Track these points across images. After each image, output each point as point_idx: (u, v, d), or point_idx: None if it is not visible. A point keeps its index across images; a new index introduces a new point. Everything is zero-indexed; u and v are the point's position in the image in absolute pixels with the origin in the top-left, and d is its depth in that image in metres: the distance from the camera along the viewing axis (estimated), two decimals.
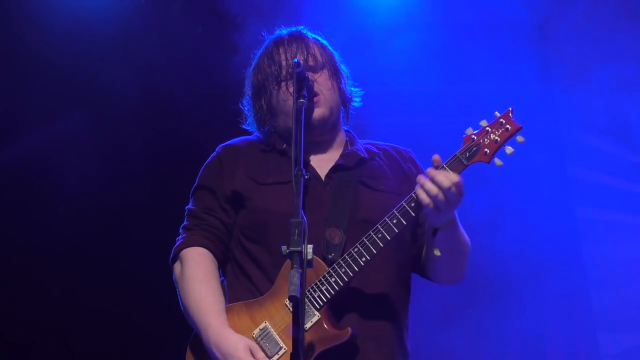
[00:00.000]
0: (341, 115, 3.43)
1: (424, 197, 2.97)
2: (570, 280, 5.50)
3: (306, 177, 2.89)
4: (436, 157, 3.03)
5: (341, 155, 3.34)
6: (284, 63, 3.32)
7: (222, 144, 3.47)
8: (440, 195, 2.95)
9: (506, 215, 5.47)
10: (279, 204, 3.17)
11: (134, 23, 5.63)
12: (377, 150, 3.44)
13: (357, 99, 3.48)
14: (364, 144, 3.47)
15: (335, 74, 3.37)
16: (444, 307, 5.43)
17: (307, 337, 3.01)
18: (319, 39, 3.44)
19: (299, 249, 2.67)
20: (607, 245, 5.48)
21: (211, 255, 3.30)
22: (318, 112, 3.27)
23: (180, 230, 3.40)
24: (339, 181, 3.26)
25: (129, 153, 5.84)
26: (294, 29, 3.43)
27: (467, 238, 3.28)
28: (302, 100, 3.09)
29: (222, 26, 5.59)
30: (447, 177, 2.96)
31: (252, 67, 3.46)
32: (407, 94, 5.66)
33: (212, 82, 5.69)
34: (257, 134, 3.47)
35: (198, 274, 3.25)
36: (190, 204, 3.43)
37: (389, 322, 3.20)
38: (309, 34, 3.42)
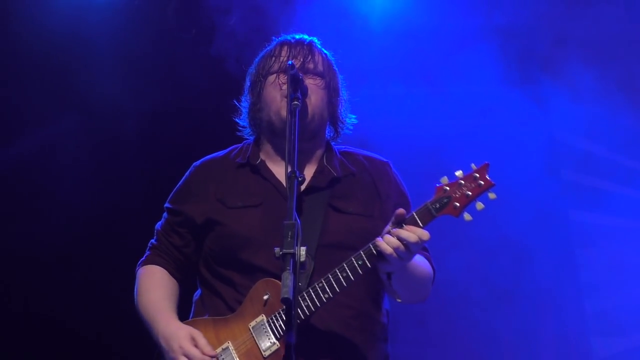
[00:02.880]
0: (326, 131, 3.41)
1: (385, 248, 2.97)
2: (562, 284, 5.51)
3: (299, 179, 2.91)
4: (400, 211, 3.00)
5: (314, 175, 3.31)
6: (282, 58, 3.33)
7: (196, 163, 3.48)
8: (402, 248, 2.95)
9: (499, 219, 5.47)
10: (249, 229, 3.18)
11: (128, 25, 5.62)
12: (351, 167, 3.39)
13: (349, 126, 3.46)
14: (340, 154, 3.43)
15: (331, 88, 3.35)
16: (437, 306, 5.42)
17: None
18: (327, 53, 3.44)
19: (292, 251, 2.69)
20: (600, 249, 5.49)
21: (164, 270, 3.41)
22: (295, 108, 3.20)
23: (148, 247, 3.52)
24: (309, 204, 3.24)
25: (122, 156, 5.83)
26: (305, 36, 3.45)
27: (426, 268, 3.27)
28: (296, 102, 3.08)
29: (215, 28, 5.58)
30: (415, 233, 2.96)
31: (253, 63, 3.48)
32: (399, 97, 5.66)
33: (208, 83, 5.69)
34: (235, 146, 3.49)
35: (148, 284, 3.39)
36: (158, 223, 3.52)
37: (357, 350, 3.19)
38: (318, 44, 3.43)
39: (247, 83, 3.47)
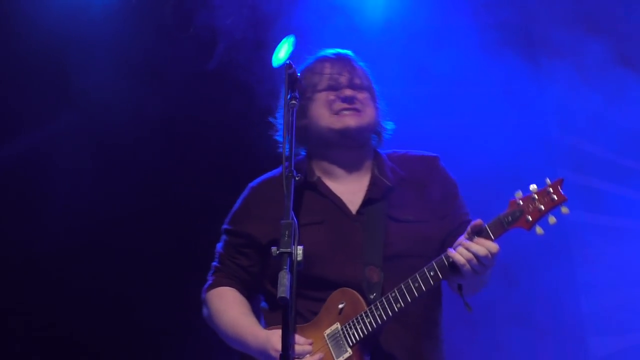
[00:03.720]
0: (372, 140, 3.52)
1: (459, 259, 3.06)
2: (559, 283, 5.51)
3: (297, 178, 2.93)
4: (477, 223, 3.10)
5: (369, 187, 3.40)
6: (326, 74, 3.41)
7: (252, 184, 3.55)
8: (474, 261, 3.04)
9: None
10: (315, 245, 3.21)
11: (125, 24, 5.61)
12: (401, 172, 3.46)
13: (390, 131, 3.56)
14: (388, 159, 3.51)
15: (375, 99, 3.46)
16: None
17: None
18: (364, 66, 3.53)
19: (289, 250, 2.71)
20: (597, 248, 5.49)
21: (234, 289, 3.46)
22: (355, 120, 3.35)
23: (210, 270, 3.57)
24: (368, 216, 3.33)
25: (120, 156, 5.82)
26: (341, 50, 3.52)
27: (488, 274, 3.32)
28: (293, 101, 3.12)
29: (213, 27, 5.58)
30: (484, 246, 3.05)
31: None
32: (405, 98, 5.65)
33: (207, 84, 5.68)
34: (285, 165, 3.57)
35: (223, 305, 3.43)
36: (219, 245, 3.58)
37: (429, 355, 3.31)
38: (355, 58, 3.52)
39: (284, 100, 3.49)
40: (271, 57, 5.21)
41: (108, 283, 5.72)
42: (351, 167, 3.43)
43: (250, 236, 3.41)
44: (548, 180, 3.07)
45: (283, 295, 2.62)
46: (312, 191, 3.40)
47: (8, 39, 5.55)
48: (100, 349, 5.78)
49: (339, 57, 3.47)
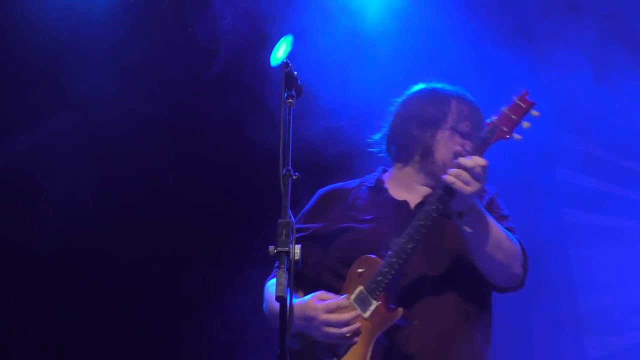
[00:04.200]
0: None
1: (447, 178, 3.15)
2: (556, 283, 5.51)
3: (294, 177, 2.93)
4: (457, 148, 3.27)
5: (426, 195, 3.49)
6: (467, 120, 3.49)
7: (321, 190, 3.72)
8: (463, 174, 3.13)
9: None
10: (379, 234, 3.37)
11: (122, 23, 5.61)
12: None
13: None
14: None
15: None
16: None
17: (368, 325, 3.25)
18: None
19: (286, 249, 2.71)
20: (594, 248, 5.50)
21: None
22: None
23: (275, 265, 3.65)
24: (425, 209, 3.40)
25: (119, 155, 5.82)
26: (471, 97, 3.60)
27: (507, 236, 3.37)
28: (290, 100, 3.13)
29: (211, 26, 5.58)
30: (472, 159, 3.16)
31: (425, 96, 3.61)
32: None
33: (204, 83, 5.69)
34: (357, 179, 3.72)
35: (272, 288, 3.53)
36: None
37: (456, 324, 3.38)
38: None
39: (413, 111, 3.59)
40: (269, 56, 5.21)
41: (107, 282, 5.73)
42: (427, 185, 3.56)
43: (312, 229, 3.56)
44: (514, 97, 3.24)
45: (281, 294, 2.62)
46: (378, 195, 3.57)
47: (6, 39, 5.55)
48: (99, 348, 5.79)
49: (477, 108, 3.56)
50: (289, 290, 2.65)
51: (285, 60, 3.20)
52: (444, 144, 3.49)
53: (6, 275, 5.69)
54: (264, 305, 3.61)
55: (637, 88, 5.40)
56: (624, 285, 5.44)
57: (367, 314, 3.26)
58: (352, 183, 3.71)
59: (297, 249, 2.75)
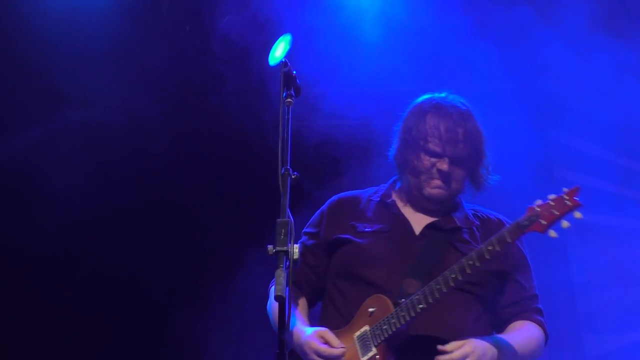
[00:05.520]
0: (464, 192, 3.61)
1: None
2: (555, 281, 5.51)
3: (293, 177, 2.92)
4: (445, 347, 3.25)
5: (439, 217, 3.53)
6: (434, 137, 3.46)
7: (332, 198, 3.75)
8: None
9: None
10: (374, 248, 3.43)
11: (121, 22, 5.60)
12: (476, 221, 3.59)
13: (491, 182, 3.63)
14: (468, 209, 3.63)
15: (471, 161, 3.52)
16: None
17: None
18: (477, 122, 3.56)
19: (285, 248, 2.72)
20: (592, 247, 5.50)
21: (296, 288, 3.60)
22: (440, 194, 3.49)
23: None
24: (432, 239, 3.47)
25: (117, 154, 5.82)
26: (459, 104, 3.55)
27: (530, 340, 3.46)
28: (289, 100, 3.12)
29: (208, 25, 5.58)
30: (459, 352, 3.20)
31: (404, 117, 3.62)
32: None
33: (203, 81, 5.69)
34: (371, 188, 3.74)
35: None
36: None
37: None
38: (469, 113, 3.54)
39: (399, 132, 3.62)
40: (267, 56, 5.21)
41: (107, 282, 5.72)
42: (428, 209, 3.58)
43: (320, 236, 3.61)
44: (565, 189, 3.25)
45: (280, 294, 2.63)
46: (384, 209, 3.59)
47: (2, 38, 5.54)
48: (98, 348, 5.78)
49: (453, 120, 3.49)
50: (287, 290, 2.64)
51: (283, 60, 3.19)
52: (414, 161, 3.49)
53: (5, 275, 5.68)
54: (267, 306, 3.64)
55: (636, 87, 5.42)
56: (622, 283, 5.45)
57: (363, 359, 3.30)
58: (366, 192, 3.73)
59: (296, 248, 2.75)
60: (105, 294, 5.73)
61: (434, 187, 3.48)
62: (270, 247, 2.75)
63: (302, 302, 3.63)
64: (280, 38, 4.69)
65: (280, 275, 2.65)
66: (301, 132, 5.37)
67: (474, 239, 3.51)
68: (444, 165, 3.45)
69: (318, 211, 3.73)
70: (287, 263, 2.73)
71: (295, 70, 3.20)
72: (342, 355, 3.27)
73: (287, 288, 2.65)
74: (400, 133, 3.60)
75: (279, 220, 2.76)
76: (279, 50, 4.86)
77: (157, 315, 5.79)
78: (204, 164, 5.88)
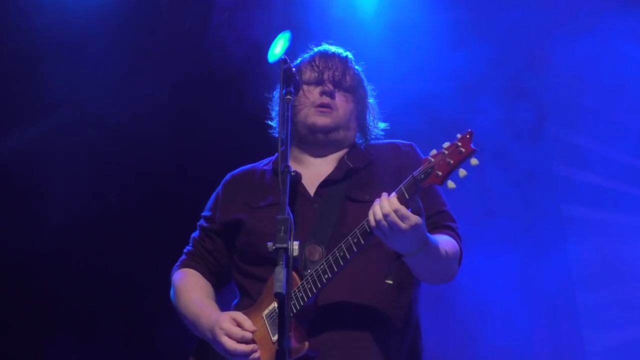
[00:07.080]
0: (356, 139, 3.55)
1: (370, 220, 3.01)
2: (555, 279, 5.51)
3: (292, 173, 2.93)
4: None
5: (332, 170, 3.44)
6: (315, 67, 3.46)
7: (227, 175, 3.65)
8: (383, 222, 2.96)
9: (492, 214, 5.48)
10: (269, 225, 3.14)
11: (120, 19, 5.60)
12: (371, 157, 3.49)
13: (380, 132, 3.59)
14: (364, 148, 3.54)
15: (359, 102, 3.52)
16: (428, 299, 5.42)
17: (274, 349, 3.12)
18: (358, 68, 3.58)
19: (285, 245, 2.71)
20: (593, 244, 5.50)
21: (198, 273, 3.56)
22: (322, 120, 3.42)
23: (183, 253, 3.68)
24: (325, 197, 3.36)
25: (117, 153, 5.82)
26: (339, 49, 3.58)
27: (445, 246, 3.21)
28: (288, 97, 3.12)
29: (209, 22, 5.58)
30: (389, 203, 2.97)
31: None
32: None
33: (202, 79, 5.68)
34: (266, 159, 3.64)
35: (185, 286, 3.53)
36: (195, 232, 3.67)
37: (375, 338, 3.22)
38: (349, 57, 3.57)
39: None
40: (266, 53, 5.21)
41: (106, 282, 5.72)
42: (320, 155, 3.49)
43: (216, 220, 3.53)
44: (458, 135, 2.98)
45: (279, 291, 2.62)
46: (277, 177, 3.28)
47: (2, 38, 5.54)
48: (98, 347, 5.78)
49: (332, 54, 3.53)
50: (286, 288, 2.63)
51: (283, 57, 3.19)
52: (301, 96, 3.40)
53: (5, 275, 5.68)
54: (172, 295, 3.54)
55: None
56: (622, 280, 5.44)
57: (275, 338, 3.17)
58: (260, 164, 3.63)
59: (296, 245, 2.74)
60: (105, 293, 5.72)
61: (319, 115, 3.40)
62: (270, 244, 2.75)
63: (207, 287, 3.52)
64: (279, 35, 4.68)
65: (280, 272, 2.65)
66: None
67: (372, 180, 3.39)
68: (325, 89, 3.40)
69: (214, 193, 3.63)
70: (290, 260, 2.72)
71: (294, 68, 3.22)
72: (251, 336, 3.16)
73: (285, 287, 2.64)
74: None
75: (278, 217, 2.76)
76: (278, 48, 4.86)
77: (157, 315, 5.78)
78: (204, 163, 5.87)
